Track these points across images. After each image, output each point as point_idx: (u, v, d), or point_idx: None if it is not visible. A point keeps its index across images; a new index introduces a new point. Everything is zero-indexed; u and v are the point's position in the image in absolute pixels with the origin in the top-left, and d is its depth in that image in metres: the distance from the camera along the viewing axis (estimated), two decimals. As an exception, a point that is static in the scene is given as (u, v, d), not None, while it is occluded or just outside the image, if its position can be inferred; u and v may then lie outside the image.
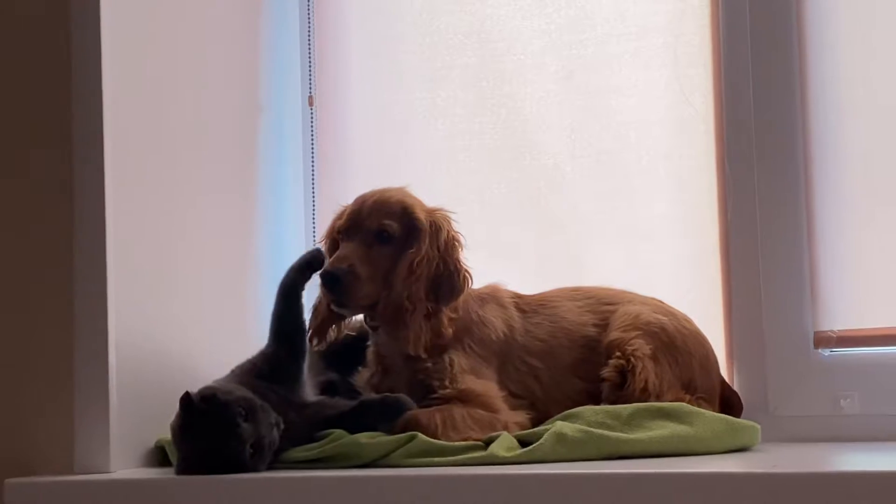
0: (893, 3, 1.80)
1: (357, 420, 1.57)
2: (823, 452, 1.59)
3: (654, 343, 1.67)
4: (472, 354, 1.66)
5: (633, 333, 1.68)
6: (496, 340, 1.68)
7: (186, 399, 1.46)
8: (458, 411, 1.58)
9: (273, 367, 1.58)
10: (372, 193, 1.70)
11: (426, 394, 1.62)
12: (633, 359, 1.65)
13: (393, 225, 1.66)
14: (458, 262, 1.67)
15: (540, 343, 1.70)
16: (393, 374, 1.68)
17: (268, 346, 1.61)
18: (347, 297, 1.63)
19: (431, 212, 1.69)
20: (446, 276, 1.65)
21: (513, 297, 1.74)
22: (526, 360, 1.69)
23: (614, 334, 1.69)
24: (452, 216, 1.70)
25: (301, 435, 1.55)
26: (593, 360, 1.69)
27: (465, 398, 1.60)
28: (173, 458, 1.54)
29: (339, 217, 1.71)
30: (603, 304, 1.74)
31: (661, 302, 1.76)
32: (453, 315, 1.66)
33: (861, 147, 1.80)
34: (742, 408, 1.74)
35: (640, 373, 1.64)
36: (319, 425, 1.57)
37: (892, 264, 1.77)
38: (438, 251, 1.65)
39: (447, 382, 1.62)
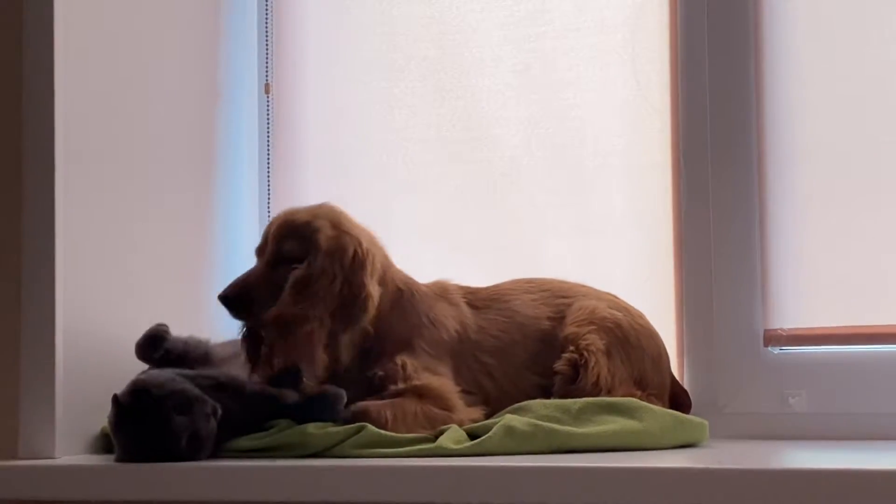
0: (850, 2, 1.80)
1: (304, 413, 1.55)
2: (770, 449, 1.59)
3: (608, 338, 1.67)
4: (425, 355, 1.63)
5: (588, 328, 1.67)
6: (448, 340, 1.66)
7: (116, 400, 1.46)
8: (410, 406, 1.56)
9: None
10: (282, 214, 1.66)
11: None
12: (586, 353, 1.65)
13: (294, 246, 1.62)
14: (363, 284, 1.61)
15: (493, 340, 1.69)
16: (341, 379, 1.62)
17: None
18: (246, 318, 1.62)
19: (343, 233, 1.63)
20: (350, 298, 1.61)
21: (463, 293, 1.72)
22: (479, 357, 1.67)
23: (570, 329, 1.68)
24: (369, 237, 1.65)
25: (245, 424, 1.53)
26: (548, 354, 1.68)
27: (421, 393, 1.58)
28: (117, 445, 1.53)
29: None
30: (558, 298, 1.74)
31: (616, 297, 1.76)
32: (356, 340, 1.61)
33: (814, 147, 1.81)
34: (691, 405, 1.75)
35: (592, 367, 1.64)
36: (266, 415, 1.55)
37: (842, 264, 1.78)
38: (342, 271, 1.61)
39: (400, 381, 1.58)
